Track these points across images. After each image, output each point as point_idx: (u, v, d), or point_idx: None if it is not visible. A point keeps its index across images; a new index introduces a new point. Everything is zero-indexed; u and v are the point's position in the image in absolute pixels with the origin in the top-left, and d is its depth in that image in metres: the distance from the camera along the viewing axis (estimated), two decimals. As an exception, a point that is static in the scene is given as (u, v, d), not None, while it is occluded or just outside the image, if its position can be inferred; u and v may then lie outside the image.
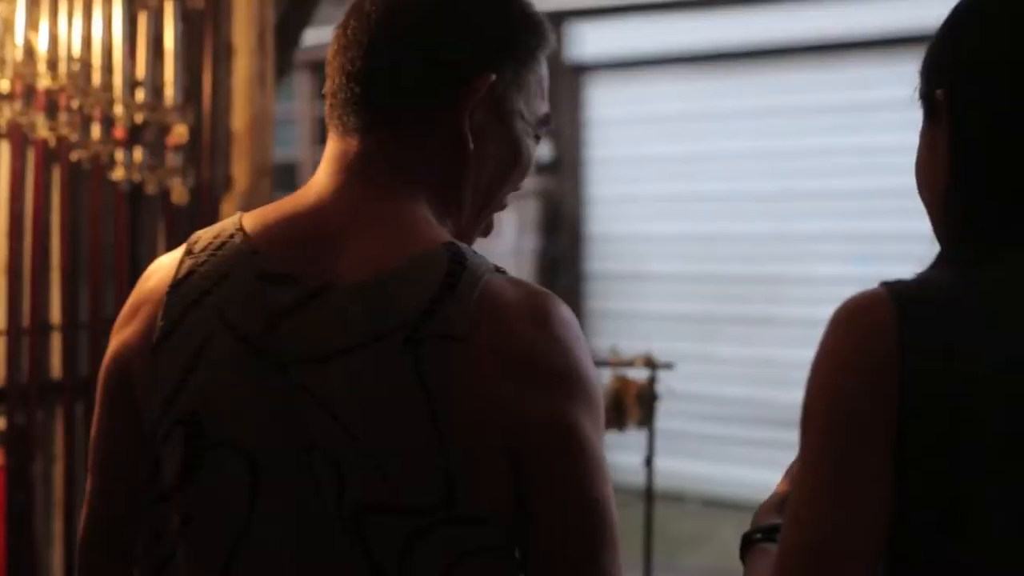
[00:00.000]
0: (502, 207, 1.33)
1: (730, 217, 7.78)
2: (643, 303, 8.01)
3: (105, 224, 2.97)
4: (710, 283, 7.86)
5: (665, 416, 7.50)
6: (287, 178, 10.44)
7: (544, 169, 8.24)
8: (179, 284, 1.21)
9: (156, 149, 3.07)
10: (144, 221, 3.15)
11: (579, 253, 8.26)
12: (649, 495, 3.14)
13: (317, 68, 10.31)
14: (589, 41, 8.19)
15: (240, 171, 3.23)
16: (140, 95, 3.00)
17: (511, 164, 1.28)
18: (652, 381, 3.11)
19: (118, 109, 2.92)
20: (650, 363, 3.12)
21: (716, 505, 7.23)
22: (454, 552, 1.12)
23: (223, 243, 1.22)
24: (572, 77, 8.27)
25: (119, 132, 2.96)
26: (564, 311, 1.17)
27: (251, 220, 1.24)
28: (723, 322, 7.72)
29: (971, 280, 1.05)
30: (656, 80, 8.05)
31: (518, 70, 1.26)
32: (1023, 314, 1.02)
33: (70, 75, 2.83)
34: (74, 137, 2.87)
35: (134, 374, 1.23)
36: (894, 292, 1.04)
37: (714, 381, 7.54)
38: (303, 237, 1.20)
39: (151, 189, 3.02)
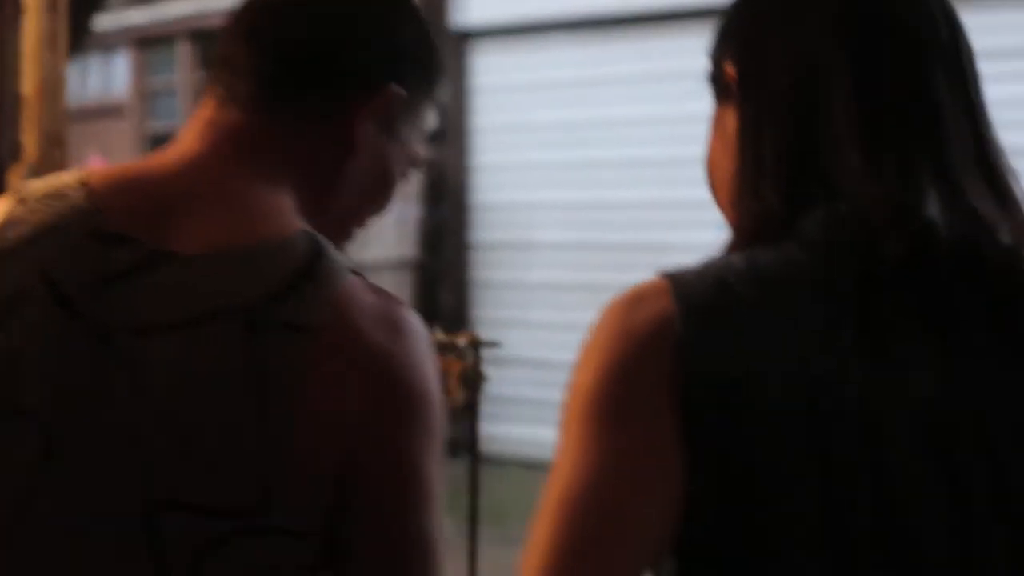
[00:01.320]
0: (361, 225, 1.26)
1: (617, 184, 7.74)
2: (529, 272, 7.93)
3: None
4: (597, 251, 7.81)
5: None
6: (168, 149, 10.15)
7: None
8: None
9: (-67, 116, 2.86)
10: (-79, 193, 2.94)
11: (463, 222, 8.17)
12: (474, 482, 2.98)
13: (197, 37, 10.01)
14: (473, 7, 8.08)
15: (30, 139, 3.07)
16: (-89, 57, 2.78)
17: (379, 185, 1.22)
18: (477, 361, 2.93)
19: None
20: (475, 342, 2.94)
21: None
22: (259, 565, 1.03)
23: (59, 194, 1.10)
24: (456, 44, 8.16)
25: None
26: (419, 324, 1.11)
27: (96, 177, 1.13)
28: (611, 291, 7.58)
29: (754, 271, 0.97)
30: (541, 46, 7.98)
31: (416, 95, 1.21)
32: (794, 311, 0.95)
33: None
34: None
35: None
36: (676, 283, 0.97)
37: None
38: (148, 198, 1.10)
39: (-73, 159, 2.81)
